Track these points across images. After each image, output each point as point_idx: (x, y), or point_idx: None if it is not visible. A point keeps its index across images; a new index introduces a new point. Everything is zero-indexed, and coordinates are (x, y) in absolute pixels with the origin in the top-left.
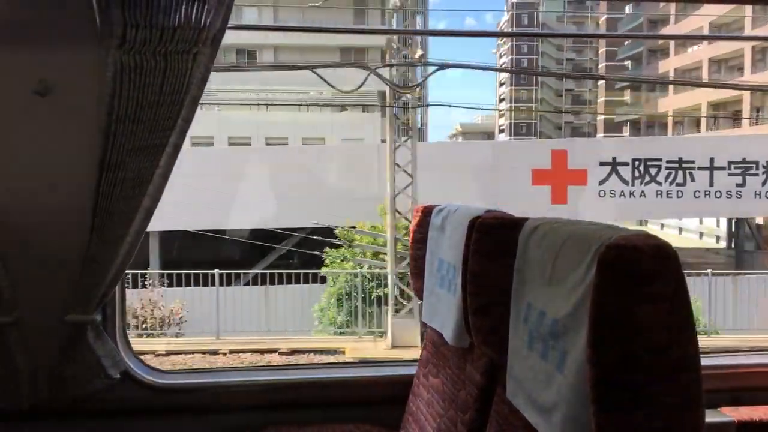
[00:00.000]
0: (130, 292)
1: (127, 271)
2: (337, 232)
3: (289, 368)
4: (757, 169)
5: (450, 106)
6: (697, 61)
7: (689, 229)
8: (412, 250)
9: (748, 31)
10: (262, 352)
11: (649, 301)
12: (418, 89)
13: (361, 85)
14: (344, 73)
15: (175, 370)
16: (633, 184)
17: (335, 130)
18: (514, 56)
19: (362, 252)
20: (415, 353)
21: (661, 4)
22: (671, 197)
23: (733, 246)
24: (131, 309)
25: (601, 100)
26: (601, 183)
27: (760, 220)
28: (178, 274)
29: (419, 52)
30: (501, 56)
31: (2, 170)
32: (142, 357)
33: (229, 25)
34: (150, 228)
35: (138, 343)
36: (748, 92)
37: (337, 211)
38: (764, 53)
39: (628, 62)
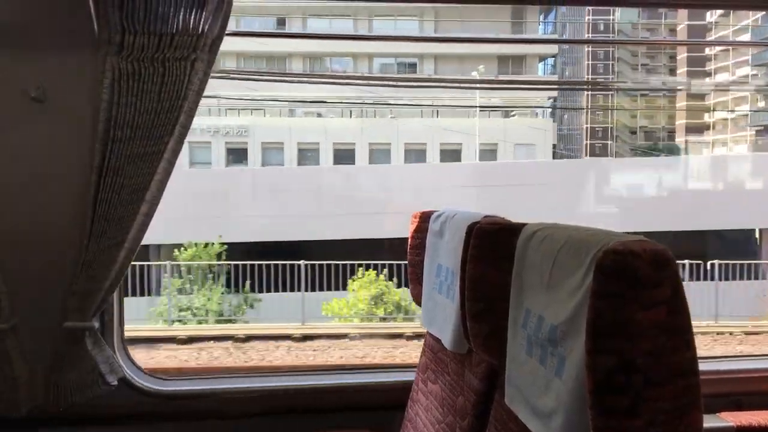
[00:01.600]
0: None
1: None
2: None
3: (287, 374)
4: None
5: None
6: None
7: None
8: (410, 256)
9: None
10: None
11: (647, 306)
12: None
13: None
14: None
15: (173, 376)
16: None
17: (507, 136)
18: (590, 61)
19: None
20: None
21: None
22: None
23: None
24: None
25: (681, 104)
26: None
27: None
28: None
29: None
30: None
31: (2, 176)
32: None
33: (227, 32)
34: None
35: None
36: None
37: None
38: None
39: (755, 70)
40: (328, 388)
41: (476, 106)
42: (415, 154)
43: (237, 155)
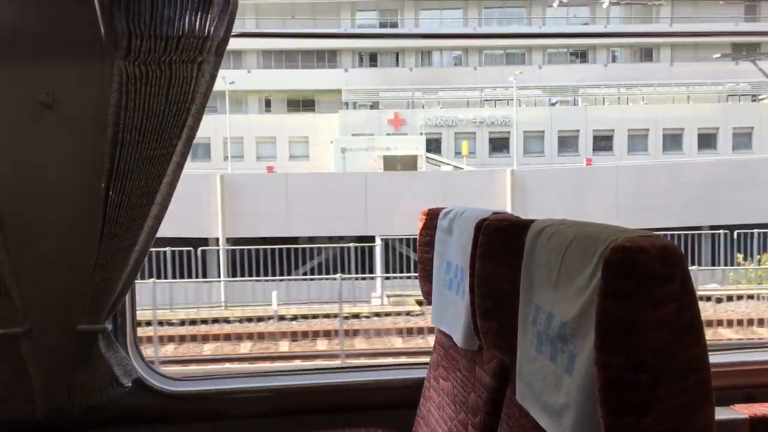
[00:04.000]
0: None
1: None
2: None
3: (299, 373)
4: None
5: None
6: None
7: None
8: (419, 253)
9: None
10: None
11: (655, 302)
12: None
13: None
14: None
15: (186, 377)
16: None
17: (729, 120)
18: None
19: None
20: None
21: None
22: None
23: None
24: None
25: None
26: None
27: None
28: None
29: None
30: None
31: (12, 181)
32: None
33: (233, 33)
34: None
35: None
36: None
37: None
38: None
39: None
40: (340, 386)
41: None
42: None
43: (497, 144)
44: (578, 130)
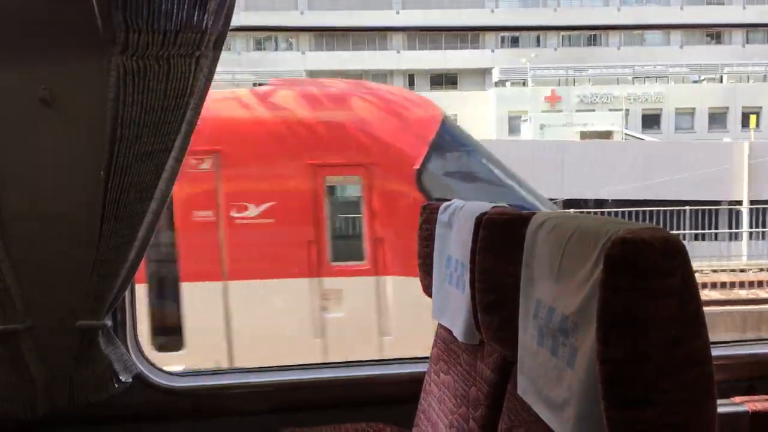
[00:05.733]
0: None
1: None
2: None
3: (300, 369)
4: None
5: None
6: None
7: None
8: (420, 248)
9: None
10: None
11: (657, 296)
12: None
13: None
14: None
15: (188, 372)
16: None
17: None
18: None
19: None
20: None
21: None
22: None
23: None
24: None
25: None
26: None
27: None
28: None
29: None
30: None
31: (12, 178)
32: None
33: (231, 28)
34: None
35: None
36: None
37: None
38: None
39: None
40: (341, 381)
41: None
42: None
43: (648, 121)
44: (727, 107)
